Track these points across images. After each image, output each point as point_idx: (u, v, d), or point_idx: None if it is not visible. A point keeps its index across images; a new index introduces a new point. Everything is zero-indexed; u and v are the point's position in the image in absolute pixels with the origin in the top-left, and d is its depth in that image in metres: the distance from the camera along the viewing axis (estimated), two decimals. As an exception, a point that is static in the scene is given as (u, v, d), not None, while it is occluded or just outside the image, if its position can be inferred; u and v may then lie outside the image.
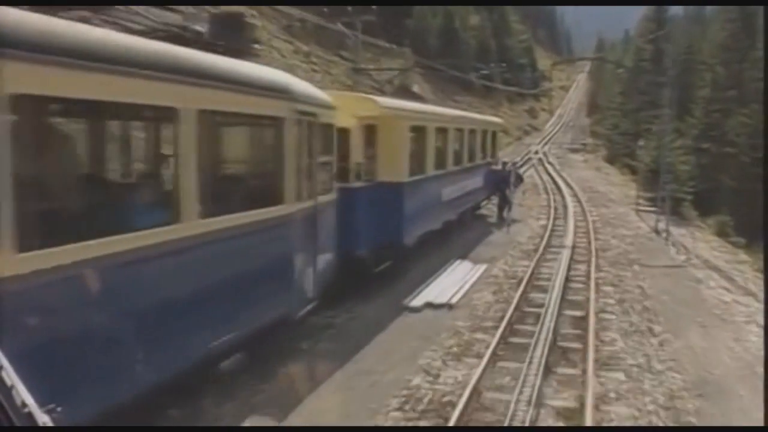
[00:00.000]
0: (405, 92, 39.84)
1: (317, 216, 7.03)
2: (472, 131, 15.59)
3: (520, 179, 22.28)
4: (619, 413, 5.78)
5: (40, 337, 3.39)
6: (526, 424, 5.49)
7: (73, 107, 4.46)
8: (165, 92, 4.49)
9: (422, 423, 5.51)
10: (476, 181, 16.12)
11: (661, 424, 5.66)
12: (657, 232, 17.25)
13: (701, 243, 18.78)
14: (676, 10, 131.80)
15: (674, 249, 15.24)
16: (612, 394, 6.20)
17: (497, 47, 71.05)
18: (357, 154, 8.83)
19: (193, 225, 4.76)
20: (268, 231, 5.93)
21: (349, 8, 22.52)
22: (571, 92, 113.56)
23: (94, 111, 4.66)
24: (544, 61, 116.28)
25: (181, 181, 4.68)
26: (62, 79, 3.64)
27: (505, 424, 5.53)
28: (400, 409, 5.74)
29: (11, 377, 1.15)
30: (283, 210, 6.15)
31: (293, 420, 5.49)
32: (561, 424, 5.64)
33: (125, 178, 5.88)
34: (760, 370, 7.17)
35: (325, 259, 7.45)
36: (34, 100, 3.54)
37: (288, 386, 6.14)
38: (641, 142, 25.68)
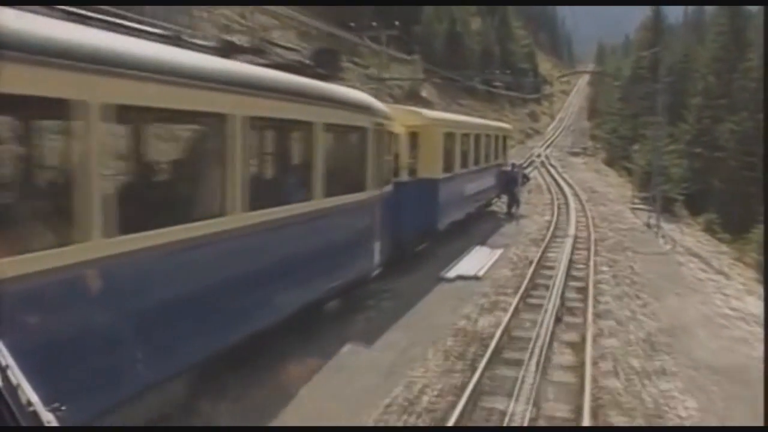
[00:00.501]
0: (415, 97, 42.15)
1: (383, 202, 9.30)
2: (487, 136, 17.93)
3: (526, 179, 24.66)
4: (611, 343, 8.06)
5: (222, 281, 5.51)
6: (543, 357, 7.71)
7: (272, 124, 6.70)
8: (307, 113, 6.76)
9: (470, 348, 7.75)
10: (490, 180, 18.46)
11: (640, 353, 7.90)
12: (648, 226, 19.57)
13: (688, 236, 21.12)
14: (675, 17, 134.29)
15: (662, 240, 17.57)
16: (605, 333, 8.47)
17: (500, 52, 73.52)
18: (405, 155, 11.11)
19: (318, 202, 7.03)
20: (356, 210, 8.21)
21: (374, 23, 24.70)
22: (572, 96, 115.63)
23: (274, 127, 6.84)
24: (544, 64, 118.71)
25: (314, 172, 6.95)
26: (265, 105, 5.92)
27: (527, 354, 7.75)
28: (453, 337, 8.02)
29: (17, 376, 1.15)
30: (365, 195, 8.42)
31: (378, 346, 7.71)
32: (570, 350, 7.89)
33: (287, 169, 7.94)
34: (719, 320, 9.49)
35: (386, 236, 9.71)
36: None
37: (369, 326, 8.39)
38: (636, 146, 27.99)
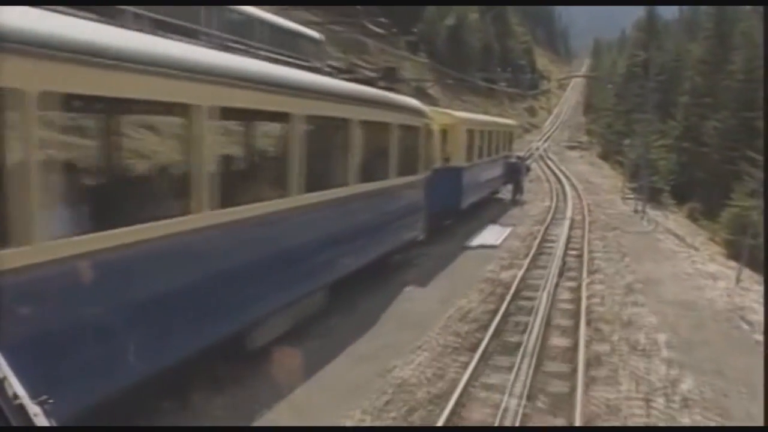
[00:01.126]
0: (422, 94, 44.98)
1: (427, 183, 12.15)
2: (498, 132, 20.82)
3: (527, 169, 27.64)
4: (600, 288, 10.94)
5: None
6: (551, 295, 10.58)
7: (366, 126, 9.30)
8: (384, 116, 9.58)
9: (498, 289, 10.61)
10: (499, 170, 21.37)
11: (620, 293, 10.79)
12: (636, 212, 22.55)
13: (670, 221, 24.15)
14: (672, 13, 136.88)
15: (647, 223, 20.55)
16: (596, 282, 11.38)
17: (500, 49, 76.34)
18: (438, 147, 13.96)
19: (390, 180, 9.87)
20: (413, 188, 11.05)
21: (394, 29, 27.27)
22: (568, 91, 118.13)
23: (368, 127, 9.42)
24: (541, 60, 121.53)
25: (390, 159, 9.79)
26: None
27: (540, 293, 10.62)
28: (484, 281, 10.92)
29: (3, 369, 1.15)
30: (418, 177, 11.28)
31: (430, 287, 10.56)
32: (569, 291, 10.77)
33: (375, 157, 10.45)
34: (683, 276, 12.45)
35: (426, 210, 12.57)
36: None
37: (420, 276, 11.23)
38: (627, 141, 30.98)
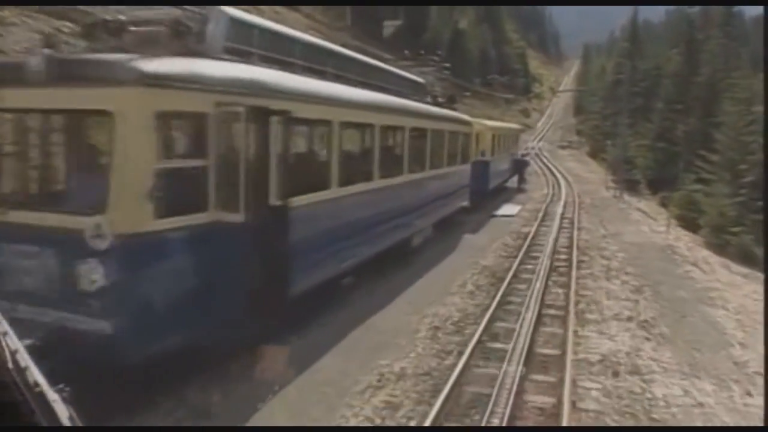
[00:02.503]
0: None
1: (469, 170, 18.53)
2: (508, 135, 27.28)
3: (527, 164, 34.18)
4: (584, 236, 17.39)
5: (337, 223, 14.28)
6: (555, 238, 16.96)
7: (437, 133, 15.81)
8: (448, 127, 15.95)
9: (520, 237, 16.99)
10: (510, 163, 27.84)
11: (598, 239, 17.23)
12: (615, 197, 29.15)
13: (641, 204, 30.80)
14: (659, 15, 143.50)
15: (623, 205, 27.16)
16: (582, 234, 17.80)
17: (496, 55, 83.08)
18: (474, 146, 20.34)
19: (453, 167, 16.23)
20: (463, 172, 17.43)
21: (422, 51, 33.57)
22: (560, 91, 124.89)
23: (438, 135, 15.96)
24: (533, 62, 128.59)
25: (452, 153, 16.16)
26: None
27: (548, 238, 17.02)
28: (512, 232, 17.35)
29: (25, 359, 1.24)
30: (466, 165, 17.68)
31: (478, 235, 16.93)
32: (566, 237, 17.18)
33: (440, 152, 16.92)
34: (640, 231, 19.00)
35: (469, 189, 18.93)
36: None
37: (470, 230, 17.58)
38: (609, 142, 37.59)
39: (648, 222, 22.27)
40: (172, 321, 5.41)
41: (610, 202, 27.85)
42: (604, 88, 63.67)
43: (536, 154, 52.80)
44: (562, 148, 64.86)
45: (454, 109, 17.71)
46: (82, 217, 5.07)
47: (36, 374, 1.35)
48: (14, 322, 3.68)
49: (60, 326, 5.17)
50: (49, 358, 3.29)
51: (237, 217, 5.83)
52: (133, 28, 6.39)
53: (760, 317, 10.50)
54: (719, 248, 22.40)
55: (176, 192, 5.30)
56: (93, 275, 5.03)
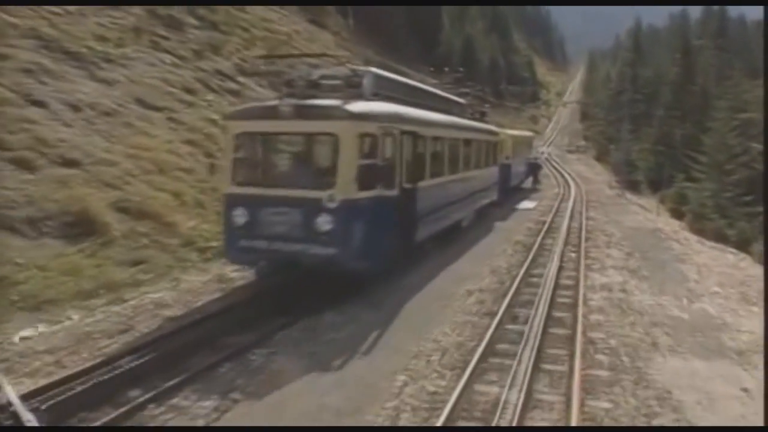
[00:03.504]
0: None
1: (497, 170, 22.99)
2: (524, 142, 31.77)
3: (540, 167, 38.66)
4: (591, 223, 21.82)
5: (443, 202, 18.82)
6: (568, 224, 21.37)
7: (477, 143, 20.30)
8: (484, 137, 20.44)
9: (539, 223, 21.41)
10: (524, 166, 32.30)
11: (603, 224, 21.63)
12: (618, 195, 33.55)
13: (641, 200, 35.19)
14: (663, 19, 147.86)
15: (624, 201, 31.56)
16: (590, 221, 22.24)
17: (505, 64, 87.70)
18: (500, 151, 24.81)
19: (487, 168, 20.72)
20: (493, 172, 21.92)
21: (446, 69, 38.24)
22: (566, 98, 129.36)
23: (478, 143, 20.45)
24: (540, 69, 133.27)
25: (486, 157, 20.65)
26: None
27: (563, 223, 21.42)
28: (533, 220, 21.80)
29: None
30: (495, 167, 22.17)
31: (508, 221, 21.35)
32: (577, 222, 21.60)
33: (479, 156, 21.41)
34: (637, 220, 23.46)
35: (497, 186, 23.38)
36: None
37: (499, 219, 22.03)
38: (612, 146, 42.01)
39: (644, 213, 26.68)
40: (365, 247, 9.86)
41: (613, 199, 32.28)
42: (609, 96, 68.08)
43: (546, 159, 57.16)
44: (570, 152, 69.25)
45: (486, 122, 22.22)
46: (320, 191, 9.53)
47: (10, 394, 1.38)
48: (271, 253, 8.48)
49: (302, 252, 9.62)
50: (295, 269, 8.00)
51: (393, 192, 10.36)
52: (321, 82, 10.92)
53: (717, 269, 14.94)
54: (699, 231, 26.66)
55: (366, 177, 9.78)
56: (326, 223, 9.48)
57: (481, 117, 22.00)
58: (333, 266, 9.51)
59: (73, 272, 11.06)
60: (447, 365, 7.50)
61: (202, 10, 30.21)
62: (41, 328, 9.19)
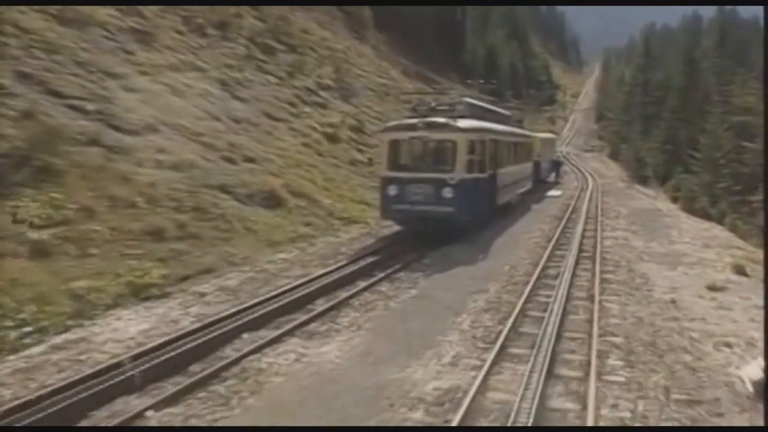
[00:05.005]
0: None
1: (532, 166, 29.82)
2: (550, 141, 38.58)
3: (561, 164, 45.42)
4: (605, 206, 28.60)
5: (507, 183, 25.70)
6: (588, 204, 28.10)
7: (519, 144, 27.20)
8: (523, 139, 27.30)
9: (565, 207, 28.17)
10: (550, 163, 39.12)
11: (615, 206, 28.37)
12: (628, 187, 40.23)
13: (649, 191, 41.85)
14: (677, 20, 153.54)
15: (633, 191, 38.25)
16: (606, 205, 29.01)
17: (523, 68, 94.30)
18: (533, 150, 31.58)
19: (526, 163, 27.57)
20: (529, 166, 28.77)
21: (481, 81, 45.06)
22: (581, 98, 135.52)
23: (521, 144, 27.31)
24: (556, 70, 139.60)
25: (525, 154, 27.49)
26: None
27: (584, 205, 28.17)
28: (560, 204, 28.61)
29: None
30: (530, 162, 29.02)
31: (542, 204, 28.16)
32: (594, 205, 28.35)
33: (520, 154, 28.20)
34: (643, 203, 30.28)
35: (532, 177, 30.18)
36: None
37: (535, 203, 28.83)
38: (624, 145, 48.61)
39: (648, 199, 33.38)
40: (471, 207, 16.73)
41: (624, 189, 38.99)
42: (622, 98, 74.56)
43: (564, 157, 63.82)
44: (586, 151, 75.75)
45: (522, 128, 29.05)
46: (444, 173, 16.40)
47: None
48: (412, 212, 15.92)
49: (432, 211, 16.48)
50: (427, 222, 15.16)
51: (484, 175, 17.31)
52: (436, 107, 17.83)
53: (693, 231, 21.65)
54: (689, 210, 33.05)
55: (470, 166, 16.65)
56: (448, 192, 16.35)
57: (520, 124, 28.81)
58: (450, 220, 16.37)
59: (279, 227, 18.04)
60: (529, 264, 14.35)
61: (283, 36, 37.26)
62: (283, 255, 16.11)
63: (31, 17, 19.34)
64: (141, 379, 7.24)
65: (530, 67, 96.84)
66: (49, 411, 6.30)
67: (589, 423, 6.40)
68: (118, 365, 7.50)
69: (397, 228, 18.09)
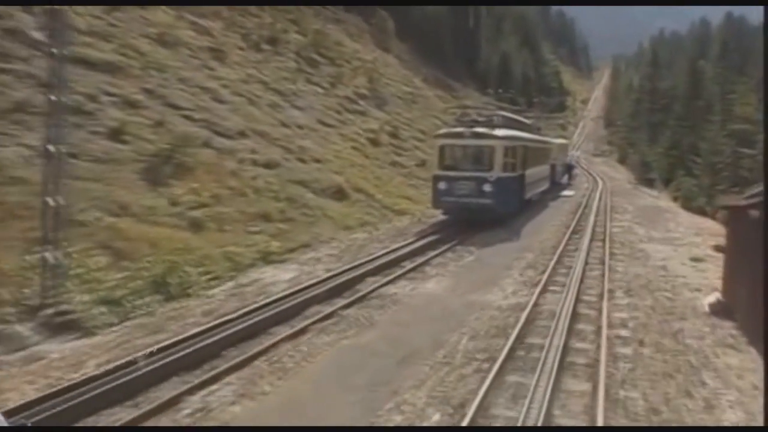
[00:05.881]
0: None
1: (551, 167, 34.22)
2: (564, 146, 42.97)
3: (574, 167, 49.81)
4: (615, 202, 32.93)
5: (531, 181, 30.14)
6: (597, 202, 32.43)
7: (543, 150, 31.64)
8: (547, 144, 31.72)
9: (580, 200, 32.52)
10: (563, 166, 43.51)
11: (622, 202, 32.69)
12: (634, 188, 44.51)
13: (653, 192, 46.16)
14: (687, 26, 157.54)
15: (640, 192, 42.55)
16: (614, 201, 33.34)
17: (535, 75, 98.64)
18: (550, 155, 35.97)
19: (543, 166, 31.98)
20: (547, 168, 33.16)
21: (500, 90, 49.50)
22: (590, 104, 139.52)
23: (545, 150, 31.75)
24: (566, 76, 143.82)
25: (542, 157, 31.91)
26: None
27: (594, 204, 32.50)
28: (574, 202, 32.98)
29: None
30: (548, 165, 33.42)
31: (560, 199, 32.52)
32: (603, 203, 32.69)
33: (540, 157, 32.62)
34: (646, 200, 34.67)
35: (550, 179, 34.55)
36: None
37: (552, 200, 33.19)
38: (631, 150, 52.91)
39: (651, 199, 37.69)
40: (505, 200, 21.14)
41: (630, 190, 43.27)
42: (630, 106, 78.83)
43: (576, 162, 68.11)
44: (596, 156, 80.00)
45: (541, 135, 33.43)
46: (485, 172, 20.79)
47: None
48: (458, 204, 20.44)
49: (474, 203, 20.88)
50: (470, 211, 19.54)
51: (516, 174, 21.75)
52: (477, 119, 22.27)
53: (687, 223, 25.97)
54: (687, 207, 37.19)
55: (506, 166, 21.05)
56: (488, 187, 20.73)
57: (539, 132, 33.19)
58: (489, 210, 20.72)
59: (348, 215, 22.44)
60: (554, 242, 18.69)
61: (322, 50, 41.75)
62: (357, 235, 20.49)
63: (141, 42, 23.90)
64: (324, 296, 11.64)
65: (542, 74, 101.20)
66: (275, 311, 10.63)
67: (603, 321, 10.70)
68: (305, 288, 11.91)
69: (442, 217, 22.44)
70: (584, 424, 6.86)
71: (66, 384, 7.15)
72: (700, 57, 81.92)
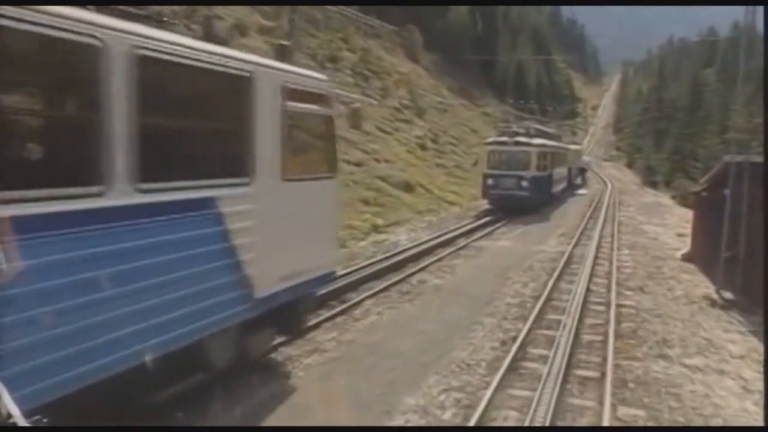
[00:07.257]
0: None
1: (568, 170, 41.62)
2: (577, 152, 50.36)
3: (586, 170, 57.28)
4: (623, 198, 40.35)
5: (556, 179, 37.53)
6: (608, 199, 39.78)
7: (558, 154, 39.07)
8: (562, 149, 39.12)
9: (593, 198, 39.88)
10: (577, 170, 50.87)
11: (625, 199, 40.03)
12: (640, 188, 51.91)
13: (656, 192, 53.55)
14: (697, 34, 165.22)
15: (643, 192, 49.96)
16: (619, 199, 40.73)
17: (548, 84, 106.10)
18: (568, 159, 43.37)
19: (562, 168, 39.42)
20: (565, 170, 40.58)
21: (521, 100, 56.94)
22: (600, 111, 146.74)
23: (560, 153, 39.13)
24: (576, 83, 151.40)
25: (555, 159, 39.36)
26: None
27: (605, 199, 39.85)
28: (587, 199, 40.38)
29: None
30: (566, 168, 40.85)
31: (574, 197, 39.87)
32: (610, 200, 40.05)
33: (554, 160, 40.06)
34: (646, 199, 42.14)
35: (567, 179, 41.90)
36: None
37: (569, 197, 40.56)
38: (637, 155, 60.34)
39: (653, 197, 45.12)
40: (538, 193, 28.62)
41: (636, 191, 50.70)
42: (637, 114, 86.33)
43: (587, 165, 75.54)
44: (605, 160, 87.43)
45: (561, 142, 40.86)
46: (523, 171, 28.22)
47: (10, 405, 1.43)
48: (502, 196, 27.98)
49: (515, 195, 28.29)
50: (503, 201, 27.03)
51: (545, 174, 29.35)
52: (516, 130, 29.78)
53: (680, 215, 33.41)
54: (683, 205, 44.55)
55: (539, 167, 28.56)
56: (525, 182, 28.15)
57: (560, 139, 40.56)
58: (527, 200, 28.10)
59: (417, 203, 29.87)
60: (575, 224, 26.09)
61: (369, 65, 49.21)
62: (429, 218, 27.88)
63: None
64: (438, 246, 19.05)
65: (554, 82, 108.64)
66: (417, 250, 17.98)
67: (614, 259, 18.03)
68: (423, 242, 19.32)
69: (486, 207, 29.77)
70: (599, 339, 14.17)
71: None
72: (707, 66, 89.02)
